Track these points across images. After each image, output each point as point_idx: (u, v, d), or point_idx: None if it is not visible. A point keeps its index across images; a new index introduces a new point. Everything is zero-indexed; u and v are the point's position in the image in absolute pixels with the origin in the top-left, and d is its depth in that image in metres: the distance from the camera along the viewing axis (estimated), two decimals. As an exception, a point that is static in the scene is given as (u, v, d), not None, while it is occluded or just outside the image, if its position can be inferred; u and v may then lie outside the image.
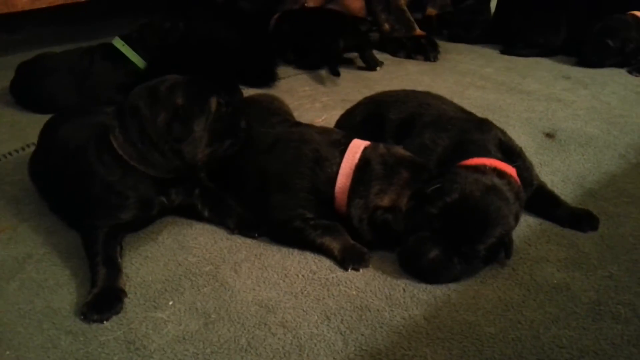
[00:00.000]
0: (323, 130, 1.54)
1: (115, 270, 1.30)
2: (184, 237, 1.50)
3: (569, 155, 1.89)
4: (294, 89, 2.58)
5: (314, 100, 2.43)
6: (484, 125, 1.58)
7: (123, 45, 2.33)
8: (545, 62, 2.87)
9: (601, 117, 2.19)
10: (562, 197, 1.60)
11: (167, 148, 1.36)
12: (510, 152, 1.51)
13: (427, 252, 1.29)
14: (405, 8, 3.18)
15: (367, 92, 2.03)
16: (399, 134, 1.63)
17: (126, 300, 1.26)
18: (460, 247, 1.28)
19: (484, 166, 1.37)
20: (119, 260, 1.35)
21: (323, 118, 2.22)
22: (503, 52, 3.05)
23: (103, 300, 1.23)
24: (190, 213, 1.55)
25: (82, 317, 1.21)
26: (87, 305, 1.22)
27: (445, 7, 3.53)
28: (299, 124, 1.60)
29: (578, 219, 1.50)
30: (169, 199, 1.47)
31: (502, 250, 1.33)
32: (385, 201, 1.35)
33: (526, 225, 1.50)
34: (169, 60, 2.24)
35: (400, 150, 1.44)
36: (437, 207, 1.29)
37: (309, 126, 1.57)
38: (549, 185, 1.65)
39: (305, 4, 3.19)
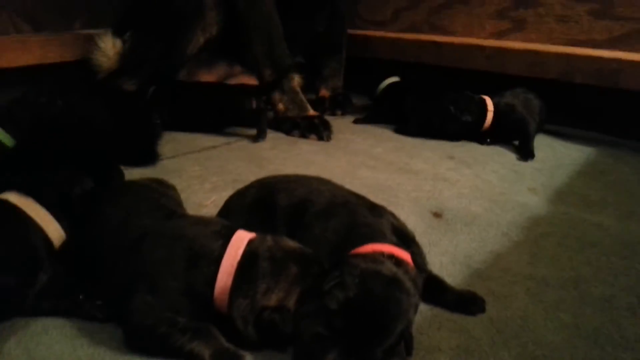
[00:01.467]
0: (200, 221, 1.41)
1: None
2: (37, 345, 1.27)
3: (456, 235, 1.92)
4: (182, 168, 2.46)
5: (203, 181, 2.32)
6: (376, 209, 1.55)
7: (-12, 121, 2.11)
8: (430, 143, 3.01)
9: (484, 195, 2.29)
10: (452, 278, 1.59)
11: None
12: (404, 236, 1.48)
13: (324, 354, 1.17)
14: (299, 89, 3.25)
15: (260, 172, 1.97)
16: (289, 221, 1.55)
17: None
18: (360, 349, 1.18)
19: (382, 254, 1.31)
20: None
21: (212, 200, 2.11)
22: (396, 132, 3.17)
23: None
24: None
25: None
26: None
27: (338, 89, 3.66)
28: (172, 214, 1.46)
29: (465, 302, 1.49)
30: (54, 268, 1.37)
31: (400, 344, 1.24)
32: (273, 300, 1.23)
33: (418, 312, 1.45)
34: (41, 138, 2.05)
35: (289, 242, 1.34)
36: (336, 303, 1.19)
37: (184, 217, 1.45)
38: (439, 267, 1.64)
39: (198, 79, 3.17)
